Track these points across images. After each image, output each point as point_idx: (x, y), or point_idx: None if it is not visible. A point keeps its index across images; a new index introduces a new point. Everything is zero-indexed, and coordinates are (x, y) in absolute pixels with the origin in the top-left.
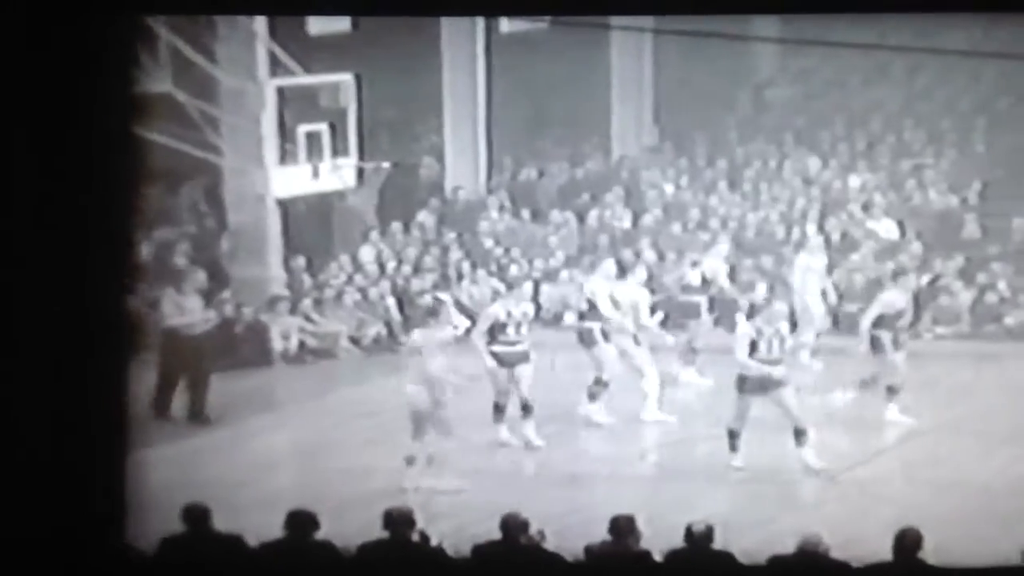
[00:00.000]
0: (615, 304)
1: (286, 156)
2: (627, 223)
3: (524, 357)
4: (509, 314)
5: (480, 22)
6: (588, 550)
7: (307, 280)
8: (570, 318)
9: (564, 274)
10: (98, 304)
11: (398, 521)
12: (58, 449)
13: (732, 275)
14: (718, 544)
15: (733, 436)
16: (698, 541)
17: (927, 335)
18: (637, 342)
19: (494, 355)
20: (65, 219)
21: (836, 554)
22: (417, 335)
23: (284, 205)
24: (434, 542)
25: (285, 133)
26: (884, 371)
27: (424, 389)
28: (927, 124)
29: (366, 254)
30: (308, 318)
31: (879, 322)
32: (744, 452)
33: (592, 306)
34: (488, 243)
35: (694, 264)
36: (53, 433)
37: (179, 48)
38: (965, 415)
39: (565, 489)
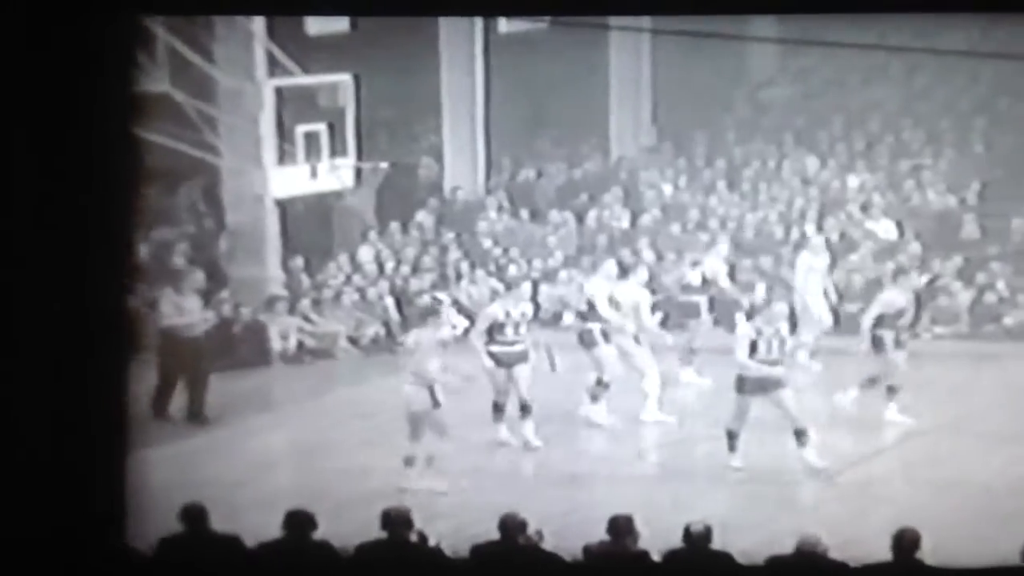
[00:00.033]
0: (616, 305)
1: (284, 156)
2: (626, 223)
3: (522, 357)
4: (507, 314)
5: (478, 22)
6: (586, 550)
7: (305, 280)
8: (569, 318)
9: (563, 274)
10: (98, 304)
11: (396, 521)
12: (58, 449)
13: (732, 275)
14: (716, 544)
15: (732, 436)
16: (696, 541)
17: (926, 335)
18: (638, 342)
19: (492, 355)
20: (65, 219)
21: (835, 554)
22: (413, 336)
23: (282, 205)
24: (432, 542)
25: (283, 133)
26: (886, 370)
27: (420, 390)
28: (926, 124)
29: (364, 254)
30: (306, 318)
31: (880, 321)
32: (743, 452)
33: (592, 307)
34: (487, 243)
35: (694, 264)
36: (53, 433)
37: (177, 48)
38: (964, 415)
39: (564, 489)
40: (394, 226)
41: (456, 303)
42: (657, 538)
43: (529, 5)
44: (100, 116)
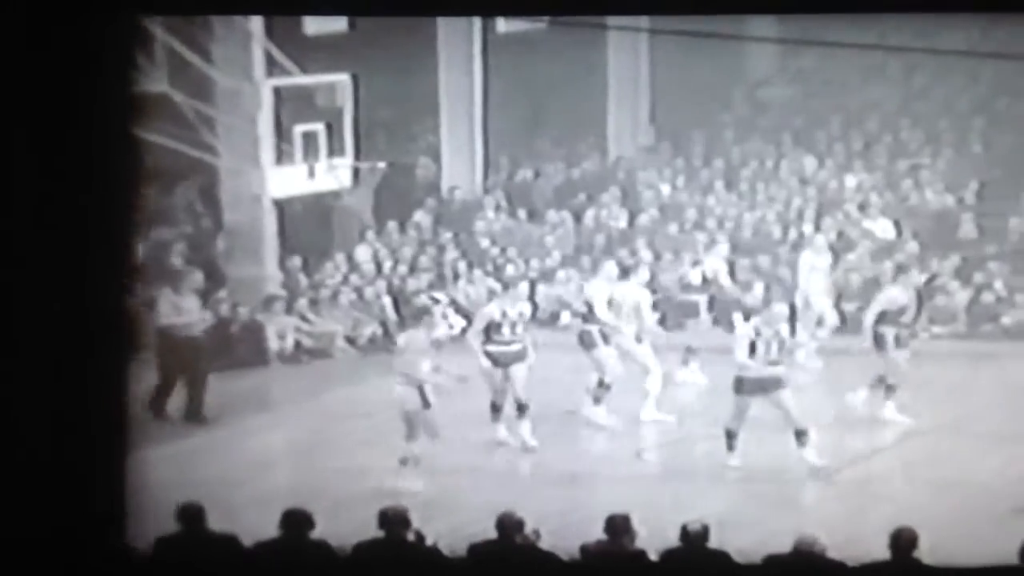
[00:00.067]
0: (617, 305)
1: (282, 156)
2: (623, 223)
3: (519, 357)
4: (504, 314)
5: (477, 22)
6: (584, 549)
7: (303, 280)
8: (566, 318)
9: (561, 274)
10: (98, 304)
11: (393, 520)
12: (58, 449)
13: (731, 275)
14: (714, 543)
15: (731, 436)
16: (694, 540)
17: (923, 334)
18: (639, 341)
19: (488, 355)
20: (65, 219)
21: (832, 554)
22: (404, 337)
23: (280, 205)
24: (429, 541)
25: (281, 133)
26: (888, 369)
27: (410, 390)
28: (924, 124)
29: (362, 254)
30: (304, 318)
31: (882, 318)
32: (741, 451)
33: (591, 309)
34: (484, 243)
35: (695, 264)
36: (53, 433)
37: (175, 48)
38: (962, 415)
39: (561, 488)
40: (392, 226)
41: (454, 303)
42: (654, 537)
43: (527, 5)
44: (100, 116)
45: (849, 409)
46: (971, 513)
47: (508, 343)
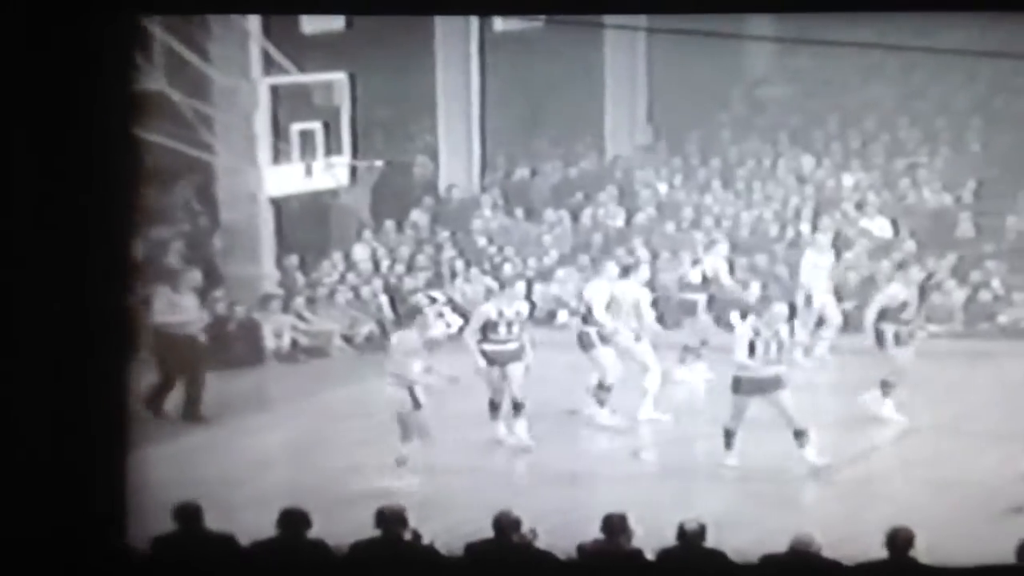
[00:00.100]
0: (616, 302)
1: (279, 155)
2: (620, 222)
3: (515, 356)
4: (500, 313)
5: (474, 21)
6: (580, 549)
7: (300, 278)
8: (563, 316)
9: (558, 273)
10: (98, 304)
11: (390, 520)
12: (58, 449)
13: (730, 273)
14: (710, 543)
15: (729, 435)
16: (690, 540)
17: (920, 333)
18: (638, 339)
19: (484, 354)
20: (65, 219)
21: (828, 553)
22: (394, 337)
23: (277, 203)
24: (426, 540)
25: (278, 132)
26: (890, 367)
27: (400, 391)
28: (922, 123)
29: (359, 252)
30: (301, 316)
31: (883, 315)
32: (738, 451)
33: (590, 311)
34: (481, 242)
35: (695, 263)
36: (53, 433)
37: (173, 47)
38: (959, 413)
39: (558, 487)
40: (389, 224)
41: (451, 301)
42: (651, 536)
43: (524, 4)
44: (100, 116)
45: (862, 409)
46: (968, 512)
47: (504, 342)
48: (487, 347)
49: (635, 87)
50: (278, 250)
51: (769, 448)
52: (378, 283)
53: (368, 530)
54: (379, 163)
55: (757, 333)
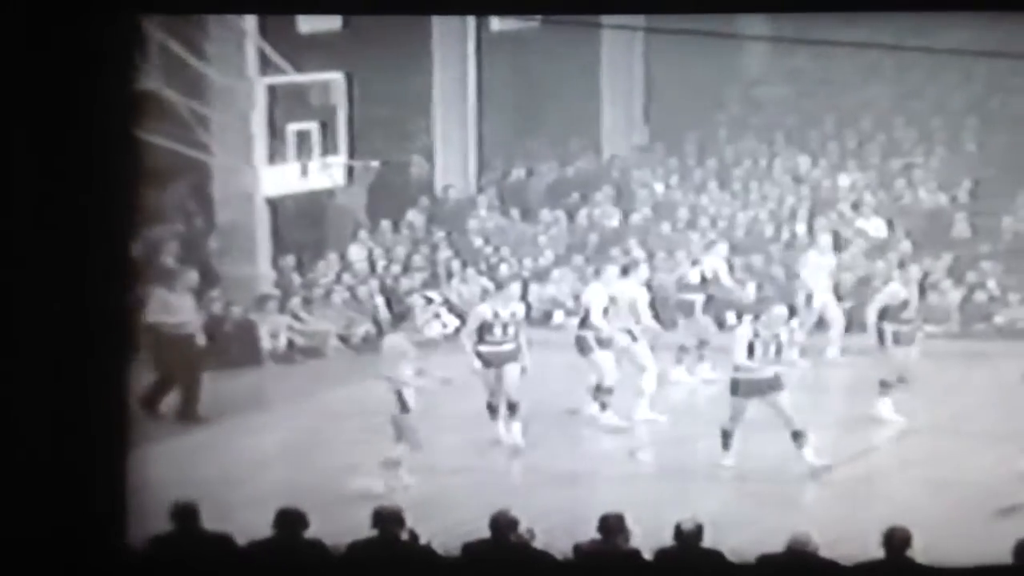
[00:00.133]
0: (615, 302)
1: (275, 154)
2: (616, 222)
3: (511, 357)
4: (496, 314)
5: (471, 21)
6: (577, 549)
7: (296, 279)
8: (559, 317)
9: (554, 273)
10: (98, 304)
11: (387, 519)
12: (58, 449)
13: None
14: (707, 543)
15: (726, 436)
16: (687, 540)
17: (917, 334)
18: (635, 339)
19: (480, 355)
20: (65, 219)
21: (825, 553)
22: (385, 340)
23: (273, 203)
24: (423, 540)
25: (275, 131)
26: (887, 365)
27: (390, 393)
28: (918, 123)
29: (355, 253)
30: (297, 317)
31: (883, 314)
32: (735, 451)
33: (588, 314)
34: (478, 242)
35: (694, 263)
36: (53, 433)
37: (169, 47)
38: (955, 414)
39: (555, 488)
40: (385, 224)
41: (447, 302)
42: (648, 536)
43: (522, 4)
44: (100, 116)
45: (861, 409)
46: (965, 512)
47: (500, 343)
48: (483, 348)
49: (631, 87)
50: (274, 250)
51: (766, 448)
52: (374, 283)
53: (365, 530)
54: (375, 163)
55: (756, 335)
